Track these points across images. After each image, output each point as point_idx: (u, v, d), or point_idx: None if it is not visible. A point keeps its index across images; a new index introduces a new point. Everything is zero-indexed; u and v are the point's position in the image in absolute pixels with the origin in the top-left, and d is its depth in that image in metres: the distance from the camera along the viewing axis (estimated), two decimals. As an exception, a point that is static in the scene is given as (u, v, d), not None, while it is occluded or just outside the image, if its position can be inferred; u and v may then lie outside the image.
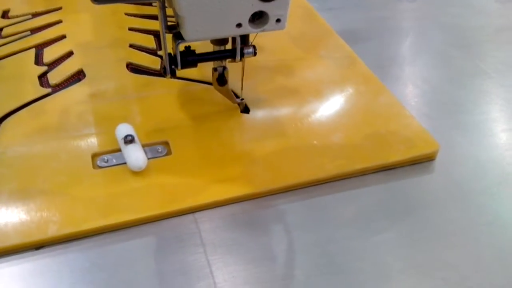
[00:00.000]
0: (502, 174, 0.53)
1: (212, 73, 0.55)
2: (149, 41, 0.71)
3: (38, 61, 0.66)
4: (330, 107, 0.60)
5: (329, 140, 0.55)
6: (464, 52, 0.75)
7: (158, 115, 0.57)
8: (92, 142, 0.53)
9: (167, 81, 0.62)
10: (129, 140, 0.51)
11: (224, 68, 0.54)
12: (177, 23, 0.45)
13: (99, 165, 0.51)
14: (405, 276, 0.42)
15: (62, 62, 0.66)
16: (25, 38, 0.70)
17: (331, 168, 0.51)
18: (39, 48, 0.68)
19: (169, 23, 0.46)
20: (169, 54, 0.48)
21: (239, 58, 0.51)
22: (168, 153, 0.53)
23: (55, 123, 0.56)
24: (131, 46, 0.69)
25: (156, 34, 0.72)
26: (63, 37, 0.71)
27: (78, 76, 0.64)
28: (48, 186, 0.48)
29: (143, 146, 0.52)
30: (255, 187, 0.48)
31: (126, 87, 0.62)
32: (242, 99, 0.57)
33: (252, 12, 0.43)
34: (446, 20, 0.84)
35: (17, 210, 0.45)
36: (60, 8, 0.77)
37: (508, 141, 0.58)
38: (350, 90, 0.62)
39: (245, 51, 0.50)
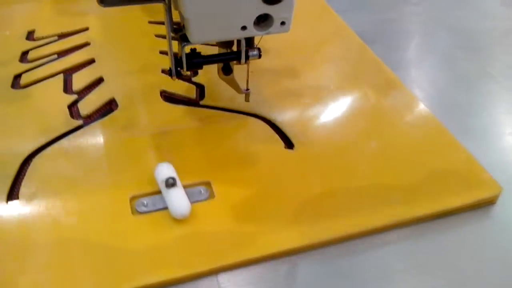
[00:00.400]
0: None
1: (217, 64, 0.55)
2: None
3: (67, 88, 0.63)
4: (368, 134, 0.57)
5: (378, 179, 0.51)
6: (470, 55, 0.74)
7: (197, 150, 0.54)
8: (129, 182, 0.50)
9: (204, 111, 0.59)
10: (170, 183, 0.48)
11: None
12: (183, 25, 0.45)
13: (138, 210, 0.48)
14: None
15: (92, 89, 0.62)
16: (52, 63, 0.67)
17: (385, 216, 0.47)
18: (68, 74, 0.65)
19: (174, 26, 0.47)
20: (175, 56, 0.49)
21: (244, 60, 0.51)
22: (211, 195, 0.49)
23: (89, 160, 0.53)
24: (163, 71, 0.66)
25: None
26: (92, 61, 0.67)
27: (109, 105, 0.60)
28: (84, 234, 0.44)
29: (184, 186, 0.49)
30: (307, 238, 0.45)
31: (161, 119, 0.58)
32: (248, 89, 0.57)
33: (257, 15, 0.43)
34: (452, 23, 0.83)
35: (53, 265, 0.42)
36: (87, 29, 0.74)
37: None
38: (391, 116, 0.59)
39: (250, 53, 0.50)
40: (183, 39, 0.46)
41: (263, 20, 0.45)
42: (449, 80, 0.68)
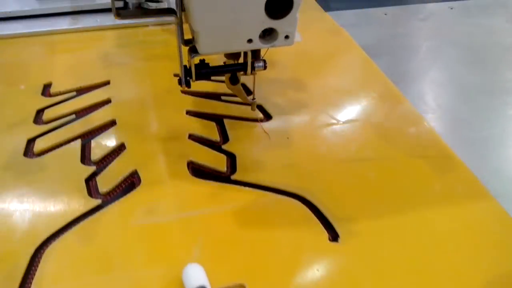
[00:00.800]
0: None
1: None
2: (211, 130, 0.61)
3: (84, 157, 0.56)
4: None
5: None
6: (472, 69, 0.76)
7: (228, 243, 0.48)
8: (153, 285, 0.43)
9: (235, 190, 0.52)
10: (201, 294, 0.41)
11: None
12: (193, 37, 0.48)
13: (163, 323, 0.41)
14: None
15: (112, 159, 0.56)
16: (69, 125, 0.60)
17: None
18: (86, 138, 0.59)
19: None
20: (185, 66, 0.51)
21: (250, 71, 0.53)
22: (247, 302, 0.42)
23: (106, 254, 0.46)
24: (190, 137, 0.59)
25: (219, 121, 0.62)
26: (113, 123, 0.61)
27: (131, 179, 0.54)
28: None
29: (215, 291, 0.42)
30: None
31: (188, 199, 0.52)
32: (254, 99, 0.59)
33: (262, 29, 0.46)
34: (457, 39, 0.86)
35: None
36: (108, 83, 0.68)
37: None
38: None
39: (256, 64, 0.53)
40: (193, 50, 0.49)
41: (268, 34, 0.47)
42: (451, 94, 0.70)
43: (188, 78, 0.52)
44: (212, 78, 0.68)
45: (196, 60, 0.51)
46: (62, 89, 0.67)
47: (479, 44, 0.84)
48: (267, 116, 0.63)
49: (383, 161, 0.57)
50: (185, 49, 0.50)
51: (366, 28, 0.87)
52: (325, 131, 0.61)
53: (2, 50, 0.75)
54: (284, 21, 0.45)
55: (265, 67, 0.53)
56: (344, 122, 0.62)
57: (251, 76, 0.56)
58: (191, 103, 0.65)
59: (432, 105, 0.65)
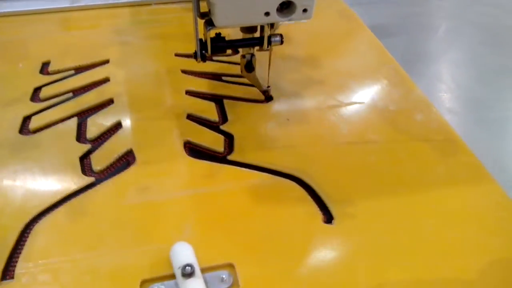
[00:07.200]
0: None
1: (240, 60, 0.58)
2: (210, 110, 0.60)
3: (80, 135, 0.56)
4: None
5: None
6: (492, 50, 0.75)
7: (220, 223, 0.47)
8: (140, 262, 0.43)
9: (232, 170, 0.51)
10: (188, 273, 0.40)
11: (252, 55, 0.56)
12: (209, 10, 0.47)
13: (149, 298, 0.40)
14: None
15: (107, 137, 0.55)
16: (66, 103, 0.60)
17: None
18: (82, 117, 0.58)
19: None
20: (200, 39, 0.50)
21: (266, 45, 0.52)
22: (235, 283, 0.41)
23: (96, 231, 0.45)
24: (189, 117, 0.58)
25: (218, 101, 0.61)
26: (110, 102, 0.60)
27: (126, 158, 0.53)
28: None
29: (203, 270, 0.41)
30: None
31: (183, 178, 0.51)
32: (269, 87, 0.59)
33: (280, 2, 0.45)
34: (476, 19, 0.89)
35: None
36: (107, 62, 0.67)
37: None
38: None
39: (273, 39, 0.52)
40: (209, 23, 0.48)
41: (286, 7, 0.46)
42: (469, 74, 0.70)
43: (203, 51, 0.51)
44: (214, 58, 0.67)
45: (212, 33, 0.50)
46: (60, 67, 0.66)
47: (498, 25, 0.81)
48: (268, 98, 0.62)
49: (386, 144, 0.55)
50: (201, 22, 0.49)
51: (384, 5, 0.85)
52: (327, 113, 0.60)
53: (2, 28, 0.74)
54: None
55: (281, 42, 0.52)
56: (347, 104, 0.60)
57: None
58: (191, 83, 0.64)
59: (450, 85, 0.63)
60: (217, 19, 0.46)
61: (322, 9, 0.81)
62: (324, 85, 0.64)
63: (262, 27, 0.51)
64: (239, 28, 0.55)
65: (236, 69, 0.62)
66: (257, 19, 0.47)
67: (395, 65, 0.68)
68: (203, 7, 0.49)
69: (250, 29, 0.53)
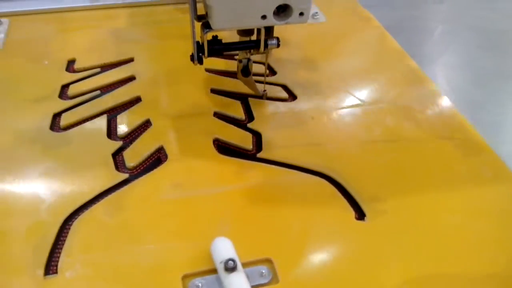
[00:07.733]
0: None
1: (237, 65, 0.58)
2: (236, 108, 0.61)
3: (110, 132, 0.56)
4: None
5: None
6: (488, 54, 0.76)
7: (255, 218, 0.48)
8: (180, 257, 0.44)
9: (261, 167, 0.52)
10: (231, 267, 0.41)
11: (249, 60, 0.57)
12: (206, 12, 0.47)
13: (193, 293, 0.41)
14: None
15: (138, 135, 0.56)
16: (94, 100, 0.60)
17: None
18: (111, 114, 0.59)
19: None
20: (197, 42, 0.51)
21: (263, 48, 0.52)
22: (274, 279, 0.42)
23: (135, 226, 0.46)
24: (216, 114, 0.59)
25: (243, 99, 0.62)
26: (138, 99, 0.61)
27: (158, 154, 0.54)
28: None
29: (242, 265, 0.42)
30: None
31: (215, 175, 0.52)
32: (265, 90, 0.60)
33: (276, 5, 0.45)
34: (473, 22, 0.90)
35: None
36: (131, 60, 0.68)
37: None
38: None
39: (269, 42, 0.52)
40: (206, 26, 0.48)
41: (282, 10, 0.46)
42: (465, 77, 0.72)
43: (200, 54, 0.52)
44: (236, 57, 0.68)
45: (209, 36, 0.51)
46: (86, 65, 0.66)
47: (494, 28, 0.82)
48: (292, 96, 0.63)
49: (408, 143, 0.57)
50: (198, 25, 0.50)
51: (381, 8, 0.86)
52: (349, 112, 0.61)
53: (23, 27, 0.74)
54: None
55: (278, 45, 0.52)
56: (368, 103, 0.62)
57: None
58: (215, 81, 0.65)
59: (445, 88, 0.64)
60: (214, 22, 0.46)
61: (339, 11, 0.82)
62: (345, 83, 0.65)
63: (259, 30, 0.52)
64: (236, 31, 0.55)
65: (261, 68, 0.63)
66: (254, 22, 0.47)
67: (412, 63, 0.69)
68: (200, 10, 0.49)
69: (247, 32, 0.53)
